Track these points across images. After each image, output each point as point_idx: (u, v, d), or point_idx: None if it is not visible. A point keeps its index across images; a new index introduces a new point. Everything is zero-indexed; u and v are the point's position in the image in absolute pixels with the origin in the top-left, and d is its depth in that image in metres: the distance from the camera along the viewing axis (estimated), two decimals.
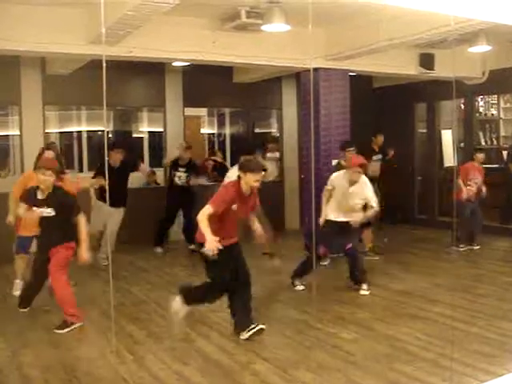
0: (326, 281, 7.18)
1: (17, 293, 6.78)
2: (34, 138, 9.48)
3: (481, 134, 11.69)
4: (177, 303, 5.52)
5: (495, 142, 11.65)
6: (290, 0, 6.53)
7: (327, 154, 8.81)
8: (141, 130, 12.78)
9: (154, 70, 10.16)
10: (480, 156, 9.26)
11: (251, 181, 5.23)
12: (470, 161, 9.34)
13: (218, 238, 4.95)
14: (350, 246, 6.86)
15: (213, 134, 14.07)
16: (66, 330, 5.66)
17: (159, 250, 9.60)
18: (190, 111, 11.53)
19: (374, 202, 6.86)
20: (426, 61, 9.68)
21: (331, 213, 6.96)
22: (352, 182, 6.87)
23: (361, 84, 10.72)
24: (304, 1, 5.78)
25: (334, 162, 8.62)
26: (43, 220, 5.81)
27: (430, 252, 7.54)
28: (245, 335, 5.31)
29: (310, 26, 5.57)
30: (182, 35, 7.55)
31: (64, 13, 6.88)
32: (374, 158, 9.79)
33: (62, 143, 12.32)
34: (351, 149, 7.96)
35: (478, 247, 9.36)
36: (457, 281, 7.24)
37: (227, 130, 13.57)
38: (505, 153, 11.07)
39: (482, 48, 8.77)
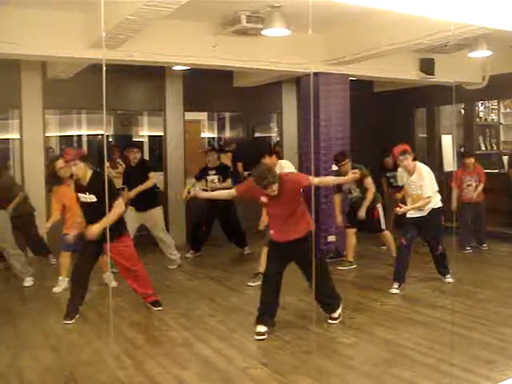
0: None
1: (57, 289, 7.13)
2: (34, 141, 9.50)
3: (481, 139, 11.70)
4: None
5: (495, 147, 11.64)
6: (290, 3, 6.54)
7: (327, 158, 8.79)
8: (141, 133, 12.80)
9: (154, 74, 10.16)
10: (468, 160, 9.28)
11: (267, 192, 5.42)
12: (462, 166, 9.40)
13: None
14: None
15: (213, 137, 14.09)
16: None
17: (189, 255, 9.48)
18: (191, 115, 11.54)
19: (428, 191, 6.93)
20: (427, 66, 9.69)
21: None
22: (410, 173, 7.02)
23: (361, 89, 10.73)
24: (304, 3, 5.77)
25: (335, 167, 8.62)
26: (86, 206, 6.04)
27: (430, 256, 7.54)
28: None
29: (310, 30, 5.58)
30: (182, 39, 7.56)
31: (65, 17, 6.88)
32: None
33: (62, 147, 12.34)
34: (344, 162, 7.87)
35: (486, 247, 9.53)
36: (457, 286, 7.23)
37: (227, 134, 13.58)
38: (505, 158, 11.07)
39: (482, 53, 8.78)
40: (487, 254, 9.37)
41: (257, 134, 14.15)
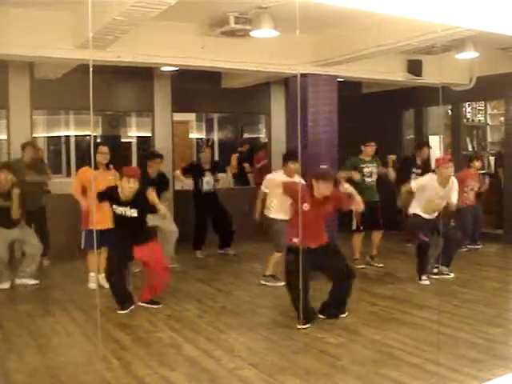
0: (313, 286, 7.18)
1: (92, 285, 7.21)
2: (22, 142, 9.45)
3: (468, 139, 11.77)
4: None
5: (482, 148, 11.72)
6: (278, 4, 6.55)
7: (315, 159, 8.81)
8: (129, 134, 12.77)
9: (142, 75, 10.15)
10: (477, 164, 9.32)
11: (323, 189, 5.78)
12: (466, 168, 9.37)
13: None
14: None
15: (201, 138, 14.10)
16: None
17: (199, 254, 9.59)
18: (179, 116, 11.55)
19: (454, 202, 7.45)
20: (414, 67, 9.73)
21: (421, 211, 7.41)
22: (444, 184, 7.31)
23: (349, 90, 10.76)
24: (292, 4, 5.79)
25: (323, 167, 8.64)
26: (125, 220, 6.38)
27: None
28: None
29: (298, 31, 5.60)
30: (170, 40, 7.55)
31: (52, 17, 6.86)
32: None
33: (49, 147, 12.31)
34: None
35: (480, 246, 9.69)
36: (444, 286, 7.27)
37: (215, 135, 13.58)
38: (492, 158, 11.14)
39: (469, 54, 8.82)
40: (475, 255, 9.42)
41: (245, 135, 14.17)
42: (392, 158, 9.25)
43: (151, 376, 4.61)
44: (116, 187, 6.49)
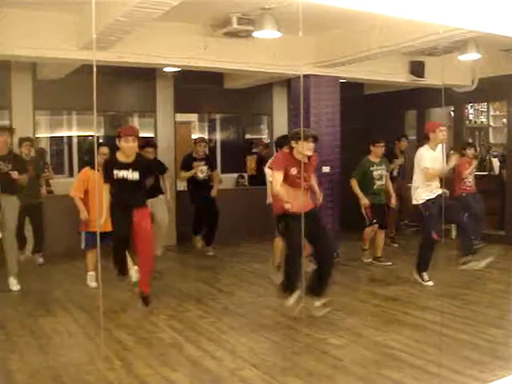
0: None
1: (93, 284, 7.28)
2: (31, 137, 9.45)
3: (470, 141, 11.74)
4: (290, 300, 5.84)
5: (485, 150, 11.72)
6: (281, 5, 6.55)
7: (317, 160, 8.80)
8: None
9: (144, 76, 10.16)
10: (470, 152, 9.26)
11: (304, 149, 5.74)
12: (461, 156, 9.27)
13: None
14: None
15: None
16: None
17: (197, 241, 9.68)
18: (181, 117, 11.55)
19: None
20: (417, 68, 9.73)
21: (429, 192, 7.22)
22: (434, 149, 7.23)
23: (352, 91, 10.76)
24: (295, 6, 5.79)
25: (325, 169, 8.66)
26: (126, 183, 6.23)
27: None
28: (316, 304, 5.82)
29: (300, 32, 5.60)
30: (173, 41, 7.56)
31: (55, 18, 6.88)
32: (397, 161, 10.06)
33: (52, 148, 12.33)
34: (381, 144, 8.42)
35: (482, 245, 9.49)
36: (445, 287, 7.26)
37: (218, 136, 13.57)
38: (494, 160, 11.14)
39: (471, 56, 8.81)
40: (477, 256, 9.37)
41: (247, 136, 14.17)
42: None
43: (153, 376, 4.61)
44: (111, 158, 6.46)
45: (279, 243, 7.45)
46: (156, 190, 8.64)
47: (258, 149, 13.15)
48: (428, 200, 7.16)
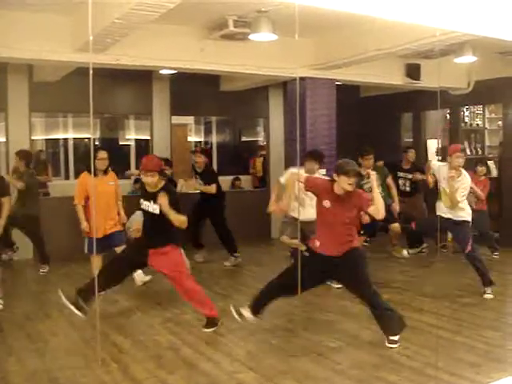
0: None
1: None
2: (21, 144, 9.38)
3: (466, 143, 11.77)
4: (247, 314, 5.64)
5: (480, 152, 11.73)
6: (277, 8, 6.55)
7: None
8: (128, 137, 12.77)
9: (141, 78, 10.16)
10: (481, 169, 9.21)
11: (345, 183, 5.17)
12: (473, 173, 9.16)
13: None
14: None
15: (199, 141, 14.10)
16: (214, 328, 5.82)
17: (201, 259, 9.46)
18: (177, 119, 11.55)
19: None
20: (413, 71, 9.75)
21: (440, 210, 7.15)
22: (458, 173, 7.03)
23: (348, 93, 10.77)
24: (291, 8, 5.80)
25: (321, 172, 8.64)
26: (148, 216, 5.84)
27: (419, 260, 7.61)
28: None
29: (296, 35, 5.61)
30: (169, 43, 7.56)
31: (51, 20, 6.87)
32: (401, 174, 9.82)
33: (48, 150, 12.32)
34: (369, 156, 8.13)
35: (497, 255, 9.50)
36: (442, 290, 7.26)
37: (214, 138, 13.59)
38: (490, 162, 11.14)
39: (467, 59, 8.84)
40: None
41: (243, 138, 14.18)
42: (379, 164, 9.05)
43: (150, 379, 4.61)
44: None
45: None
46: None
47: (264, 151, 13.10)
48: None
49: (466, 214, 7.08)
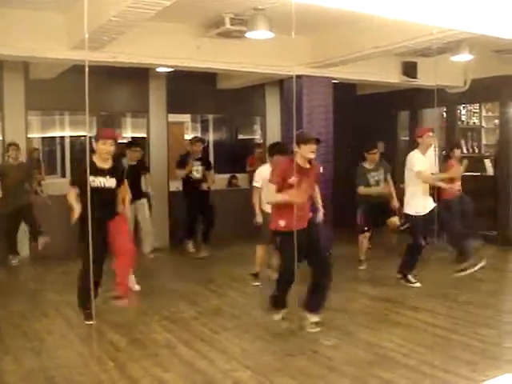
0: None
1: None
2: (17, 142, 9.42)
3: (463, 142, 11.78)
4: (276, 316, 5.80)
5: (477, 151, 11.74)
6: (274, 6, 6.55)
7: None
8: (124, 135, 12.73)
9: (137, 76, 10.13)
10: (457, 152, 9.22)
11: (307, 152, 5.41)
12: (448, 158, 9.21)
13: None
14: None
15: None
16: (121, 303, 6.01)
17: (190, 248, 9.76)
18: (174, 117, 11.52)
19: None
20: (409, 69, 9.76)
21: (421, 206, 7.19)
22: (424, 154, 7.23)
23: (344, 91, 10.77)
24: (288, 6, 5.80)
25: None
26: (101, 191, 5.76)
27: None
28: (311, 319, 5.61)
29: (293, 32, 5.59)
30: (166, 41, 7.55)
31: (47, 18, 6.85)
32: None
33: (44, 148, 12.28)
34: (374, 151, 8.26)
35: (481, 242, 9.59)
36: (438, 287, 7.28)
37: (211, 136, 13.56)
38: (486, 161, 11.15)
39: (464, 57, 8.84)
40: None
41: (240, 137, 14.16)
42: None
43: (146, 378, 4.61)
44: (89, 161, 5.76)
45: (261, 251, 7.55)
46: (139, 193, 8.75)
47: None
48: (417, 215, 7.21)
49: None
